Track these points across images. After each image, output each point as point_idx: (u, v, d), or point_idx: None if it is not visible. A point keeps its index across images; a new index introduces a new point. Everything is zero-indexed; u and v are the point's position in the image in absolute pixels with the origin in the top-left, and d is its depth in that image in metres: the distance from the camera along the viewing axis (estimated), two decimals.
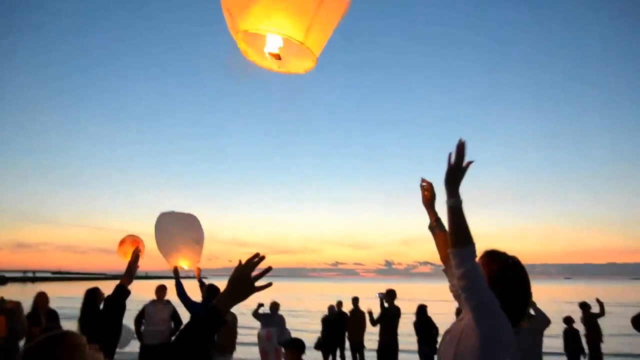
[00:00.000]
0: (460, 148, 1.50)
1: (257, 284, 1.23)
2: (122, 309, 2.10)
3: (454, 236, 1.46)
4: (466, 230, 1.45)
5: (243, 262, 1.23)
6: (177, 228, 5.00)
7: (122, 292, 2.11)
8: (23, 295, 6.90)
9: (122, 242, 4.62)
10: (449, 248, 1.49)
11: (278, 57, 1.74)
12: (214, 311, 1.17)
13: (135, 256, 2.25)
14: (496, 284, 1.46)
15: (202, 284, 5.82)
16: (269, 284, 1.23)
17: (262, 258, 1.24)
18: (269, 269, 1.24)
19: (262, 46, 1.71)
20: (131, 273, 2.24)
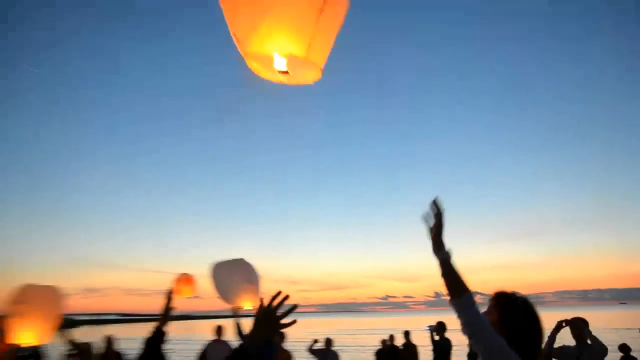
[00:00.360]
0: (436, 204, 1.58)
1: (283, 321, 1.26)
2: (159, 349, 2.21)
3: (449, 288, 1.53)
4: (459, 281, 1.51)
5: (266, 301, 1.28)
6: (231, 274, 5.26)
7: (159, 334, 2.23)
8: (93, 336, 7.43)
9: (176, 281, 5.02)
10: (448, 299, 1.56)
11: (286, 72, 1.87)
12: (241, 350, 1.21)
13: (169, 299, 2.37)
14: (507, 325, 1.53)
15: None
16: (294, 322, 1.28)
17: (286, 297, 1.28)
18: (294, 307, 1.28)
19: (270, 63, 1.85)
20: (167, 315, 2.35)
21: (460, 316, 1.48)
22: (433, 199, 1.59)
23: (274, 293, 1.28)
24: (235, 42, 1.80)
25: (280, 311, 1.26)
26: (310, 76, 1.97)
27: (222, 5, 1.71)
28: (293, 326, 1.29)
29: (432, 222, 1.57)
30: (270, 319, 1.24)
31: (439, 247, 1.55)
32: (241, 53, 1.84)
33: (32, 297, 3.49)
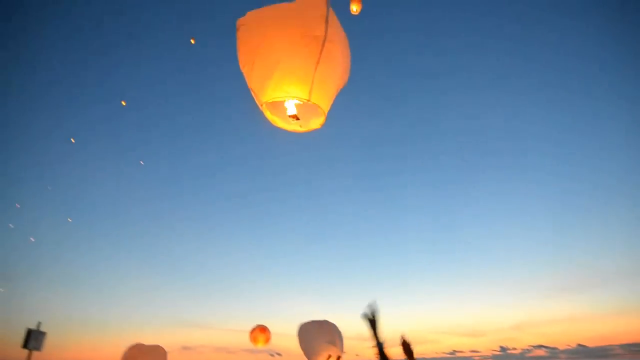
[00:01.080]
0: (372, 307, 2.28)
1: None
2: None
3: None
4: None
5: None
6: (316, 334, 5.46)
7: None
8: None
9: (252, 331, 5.53)
10: None
11: (297, 117, 2.27)
12: None
13: None
14: None
15: None
16: None
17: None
18: None
19: (284, 114, 2.26)
20: None
21: None
22: (369, 303, 2.29)
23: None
24: (254, 96, 2.24)
25: None
26: (318, 121, 2.38)
27: (241, 66, 2.19)
28: None
29: (369, 321, 2.25)
30: None
31: (375, 339, 2.21)
32: (259, 105, 2.27)
33: (141, 355, 3.86)
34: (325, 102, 2.22)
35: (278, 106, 2.28)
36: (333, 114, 2.32)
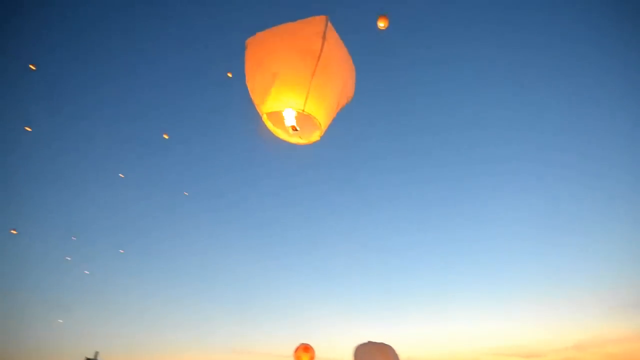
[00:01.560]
0: None
1: None
2: None
3: None
4: None
5: None
6: (373, 357, 5.42)
7: None
8: None
9: (296, 350, 5.71)
10: None
11: (295, 128, 2.40)
12: None
13: None
14: None
15: None
16: None
17: None
18: None
19: (282, 122, 2.41)
20: None
21: None
22: None
23: None
24: (257, 108, 2.43)
25: None
26: (317, 134, 2.50)
27: (247, 82, 2.40)
28: None
29: None
30: None
31: None
32: (261, 116, 2.45)
33: None
34: (321, 114, 2.33)
35: (280, 121, 2.43)
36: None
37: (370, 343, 5.41)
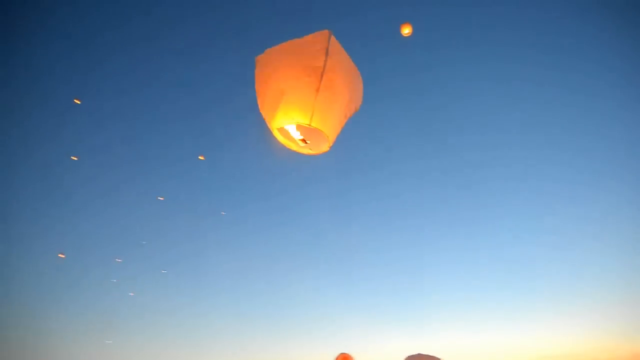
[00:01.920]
0: None
1: None
2: None
3: None
4: None
5: None
6: None
7: None
8: None
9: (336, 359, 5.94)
10: None
11: (305, 141, 2.50)
12: None
13: None
14: None
15: None
16: None
17: None
18: None
19: (292, 136, 2.51)
20: None
21: None
22: None
23: None
24: (267, 124, 2.55)
25: None
26: (325, 145, 2.59)
27: (257, 97, 2.53)
28: None
29: None
30: None
31: None
32: (272, 132, 2.57)
33: None
34: (328, 127, 2.41)
35: (289, 132, 2.54)
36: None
37: (420, 355, 5.28)
